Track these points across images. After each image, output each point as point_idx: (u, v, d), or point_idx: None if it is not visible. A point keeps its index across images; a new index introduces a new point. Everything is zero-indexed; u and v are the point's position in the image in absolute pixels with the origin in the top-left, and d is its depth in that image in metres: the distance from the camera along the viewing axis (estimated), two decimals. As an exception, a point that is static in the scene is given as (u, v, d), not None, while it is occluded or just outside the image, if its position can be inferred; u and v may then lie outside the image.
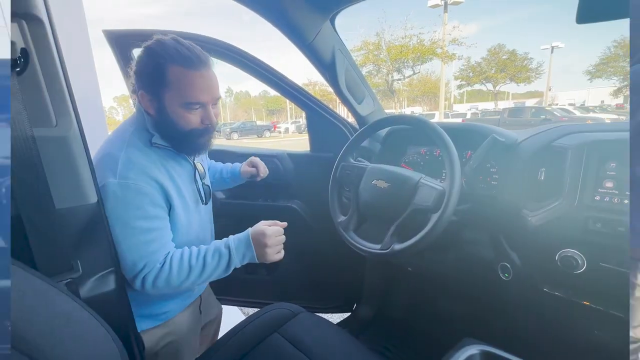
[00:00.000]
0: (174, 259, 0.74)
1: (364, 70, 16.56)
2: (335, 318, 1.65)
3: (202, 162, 0.93)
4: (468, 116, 17.23)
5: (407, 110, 29.45)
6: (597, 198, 0.72)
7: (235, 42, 1.16)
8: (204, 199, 0.86)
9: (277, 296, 1.46)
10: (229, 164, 1.17)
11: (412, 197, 0.85)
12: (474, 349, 0.56)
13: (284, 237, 0.82)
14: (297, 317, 0.91)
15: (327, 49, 1.09)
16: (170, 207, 0.77)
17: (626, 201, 0.69)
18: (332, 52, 1.09)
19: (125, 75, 1.35)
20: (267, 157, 1.47)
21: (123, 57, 1.32)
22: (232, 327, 0.91)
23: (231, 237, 0.79)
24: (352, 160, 1.05)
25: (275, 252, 0.80)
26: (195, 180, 0.83)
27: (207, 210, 0.93)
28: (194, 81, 0.70)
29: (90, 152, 0.68)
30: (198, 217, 0.86)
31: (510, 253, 0.86)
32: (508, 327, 0.92)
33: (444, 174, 1.08)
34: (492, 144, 0.90)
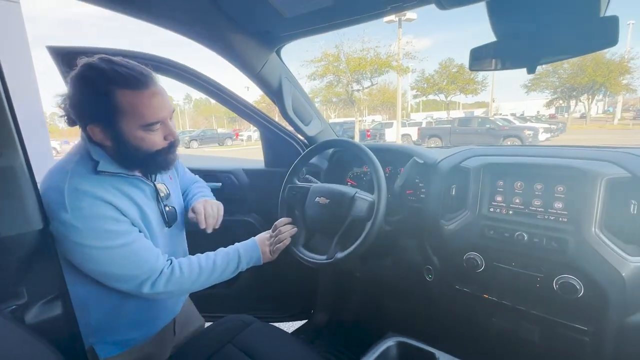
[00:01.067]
0: (182, 263, 0.79)
1: (324, 81, 16.97)
2: (295, 325, 1.72)
3: (168, 180, 0.90)
4: (423, 125, 18.30)
5: (368, 119, 30.49)
6: (491, 210, 0.89)
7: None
8: (167, 221, 0.83)
9: (237, 309, 1.49)
10: (194, 190, 1.07)
11: (350, 209, 0.96)
12: (391, 341, 0.68)
13: (286, 227, 0.99)
14: (250, 327, 0.95)
15: (274, 77, 1.18)
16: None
17: (511, 212, 0.86)
18: (279, 81, 1.19)
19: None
20: (223, 173, 1.52)
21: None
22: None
23: (237, 244, 0.91)
24: (297, 182, 1.14)
25: (278, 244, 0.95)
26: (158, 202, 0.82)
27: (173, 234, 0.90)
28: (148, 101, 0.67)
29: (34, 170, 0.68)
30: (163, 241, 0.83)
31: (433, 257, 1.00)
32: (432, 320, 1.07)
33: None
34: (412, 165, 1.05)
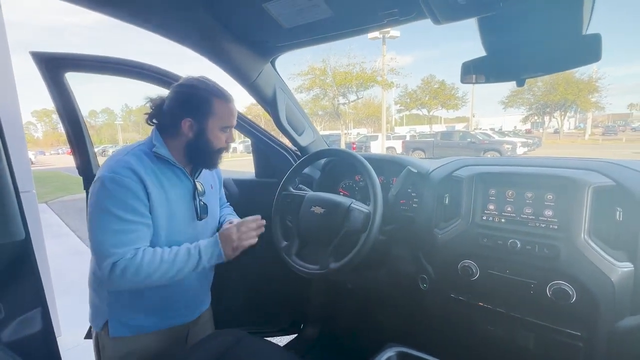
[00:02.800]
0: (146, 250, 0.82)
1: (311, 94, 17.22)
2: (284, 340, 1.67)
3: (207, 181, 1.03)
4: (407, 138, 18.69)
5: (354, 132, 30.94)
6: (484, 218, 0.90)
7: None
8: (199, 215, 0.95)
9: (225, 323, 1.44)
10: (229, 210, 1.21)
11: (345, 220, 0.96)
12: (391, 352, 0.67)
13: (253, 225, 0.95)
14: (240, 342, 0.93)
15: (268, 87, 1.19)
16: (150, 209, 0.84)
17: (503, 220, 0.88)
18: (273, 90, 1.19)
19: (55, 98, 1.28)
20: None
21: (54, 82, 1.26)
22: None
23: (201, 240, 0.91)
24: (292, 190, 1.13)
25: (244, 241, 0.92)
26: (194, 198, 0.94)
27: (205, 226, 0.99)
28: (230, 111, 0.90)
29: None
30: (192, 232, 0.94)
31: (427, 266, 1.01)
32: (427, 329, 1.06)
33: None
34: (407, 174, 1.07)
